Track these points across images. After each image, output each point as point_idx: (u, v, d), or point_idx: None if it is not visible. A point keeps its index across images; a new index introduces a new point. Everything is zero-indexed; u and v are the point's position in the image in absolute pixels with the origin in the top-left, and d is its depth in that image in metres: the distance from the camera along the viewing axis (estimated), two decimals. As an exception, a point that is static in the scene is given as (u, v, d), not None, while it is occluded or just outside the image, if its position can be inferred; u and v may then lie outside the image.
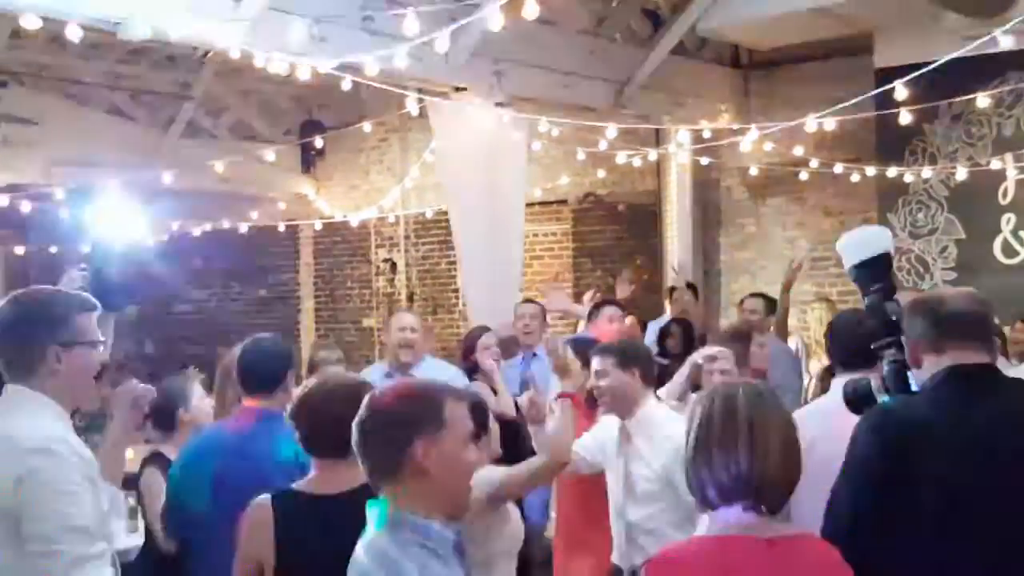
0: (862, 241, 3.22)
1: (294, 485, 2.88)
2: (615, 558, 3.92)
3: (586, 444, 3.98)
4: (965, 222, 8.47)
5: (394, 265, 11.47)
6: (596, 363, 3.89)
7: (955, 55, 6.16)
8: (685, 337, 6.55)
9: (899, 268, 8.66)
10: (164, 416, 4.25)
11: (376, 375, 5.41)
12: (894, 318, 3.00)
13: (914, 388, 2.73)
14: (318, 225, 11.07)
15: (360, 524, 2.58)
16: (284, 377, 3.75)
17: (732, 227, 9.88)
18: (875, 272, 3.10)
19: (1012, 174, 8.13)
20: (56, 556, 2.55)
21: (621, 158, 8.08)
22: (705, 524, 2.27)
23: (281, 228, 11.13)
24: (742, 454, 2.16)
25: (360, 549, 2.16)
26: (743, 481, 2.15)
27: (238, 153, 10.62)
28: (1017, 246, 8.27)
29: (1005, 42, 6.08)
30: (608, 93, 8.66)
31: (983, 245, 8.38)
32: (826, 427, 3.11)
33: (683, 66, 9.21)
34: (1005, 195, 8.28)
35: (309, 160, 11.67)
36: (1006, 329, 7.62)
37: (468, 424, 2.23)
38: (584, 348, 4.21)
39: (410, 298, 11.40)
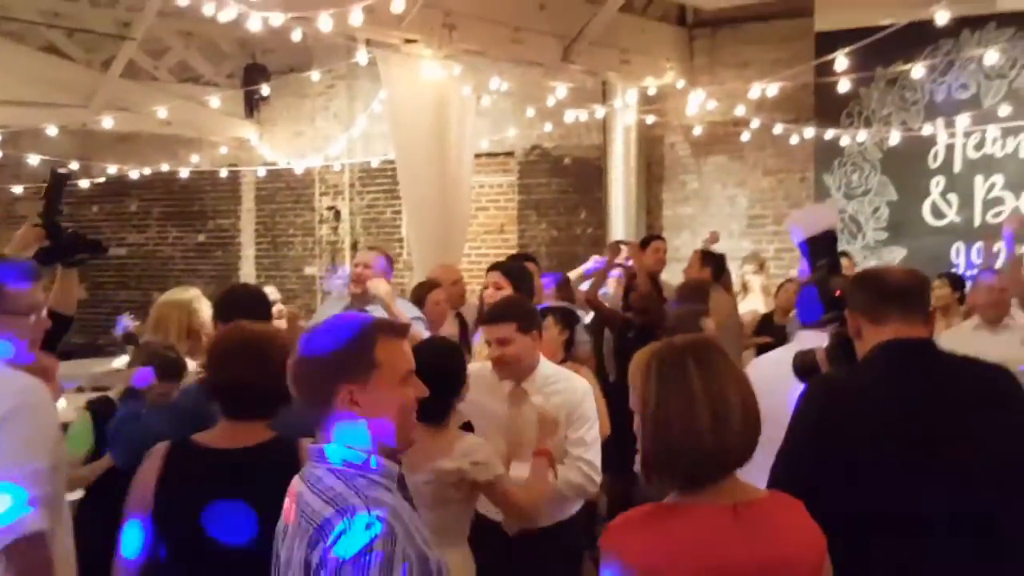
0: (809, 218, 3.39)
1: (195, 436, 2.86)
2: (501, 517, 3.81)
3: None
4: (897, 184, 8.79)
5: (338, 213, 11.46)
6: (497, 331, 3.75)
7: (893, 27, 6.36)
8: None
9: (833, 227, 8.96)
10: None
11: (336, 308, 5.52)
12: (838, 293, 3.16)
13: (856, 360, 2.80)
14: (261, 172, 11.00)
15: (252, 480, 2.66)
16: None
17: (675, 183, 10.08)
18: (821, 248, 3.26)
19: (942, 139, 8.44)
20: None
21: (569, 117, 8.18)
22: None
23: (223, 174, 11.03)
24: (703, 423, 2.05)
25: (303, 486, 2.12)
26: (705, 453, 2.06)
27: (179, 95, 10.49)
28: (945, 208, 8.62)
29: (941, 18, 6.29)
30: (556, 48, 8.72)
31: (913, 206, 8.71)
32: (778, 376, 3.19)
33: (630, 23, 9.31)
34: (935, 159, 8.61)
35: (253, 104, 11.55)
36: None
37: (405, 361, 2.16)
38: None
39: (354, 247, 11.42)
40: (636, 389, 2.14)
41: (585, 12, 8.77)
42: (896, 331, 2.65)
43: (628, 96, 9.39)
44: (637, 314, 6.53)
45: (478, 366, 3.97)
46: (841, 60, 7.46)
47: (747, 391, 2.13)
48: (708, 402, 2.06)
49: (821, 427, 2.59)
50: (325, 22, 5.68)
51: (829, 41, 8.69)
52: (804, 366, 3.18)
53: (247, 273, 12.08)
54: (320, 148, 11.18)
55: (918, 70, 7.29)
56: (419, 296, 6.05)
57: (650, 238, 8.14)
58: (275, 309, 5.14)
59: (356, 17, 5.70)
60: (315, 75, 9.18)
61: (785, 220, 8.22)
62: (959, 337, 5.55)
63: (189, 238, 12.44)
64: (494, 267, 5.45)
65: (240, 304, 3.86)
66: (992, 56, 7.26)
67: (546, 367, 3.90)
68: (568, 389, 3.82)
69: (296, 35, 6.20)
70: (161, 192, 12.28)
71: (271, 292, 5.17)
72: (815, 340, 4.04)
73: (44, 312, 2.91)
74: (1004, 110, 8.09)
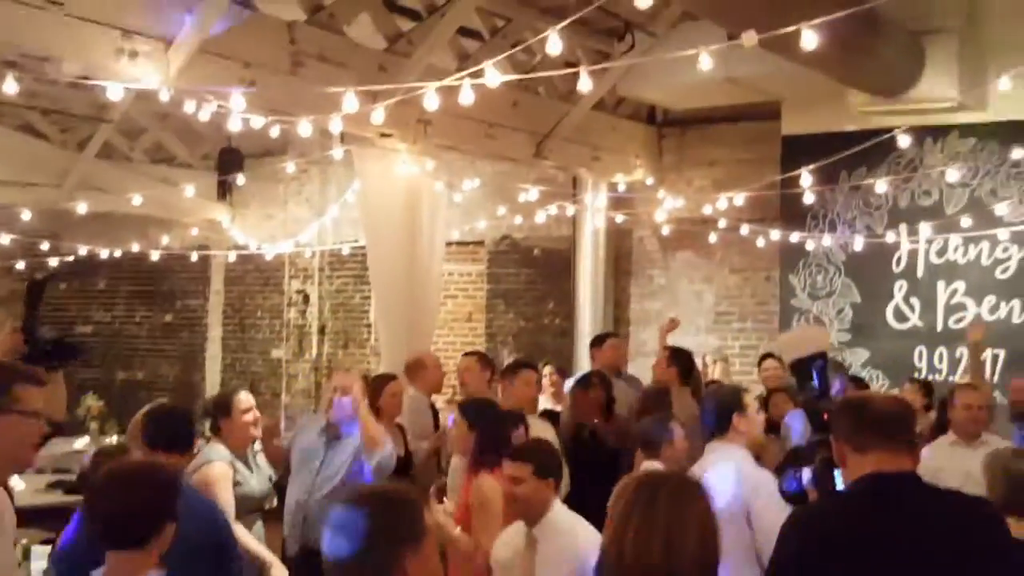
0: (799, 340, 3.47)
1: None
2: None
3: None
4: (860, 287, 8.91)
5: (307, 297, 11.47)
6: (513, 469, 3.87)
7: (855, 149, 6.54)
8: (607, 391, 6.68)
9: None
10: None
11: (312, 432, 5.44)
12: (825, 417, 3.19)
13: (840, 486, 2.87)
14: (232, 257, 11.01)
15: None
16: None
17: (643, 277, 10.20)
18: (810, 371, 3.33)
19: (905, 245, 8.60)
20: None
21: (541, 217, 8.30)
22: None
23: (194, 258, 11.03)
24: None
25: None
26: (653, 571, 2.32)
27: (153, 177, 10.54)
28: (907, 312, 8.74)
29: (903, 141, 6.48)
30: (529, 144, 8.87)
31: (877, 309, 8.82)
32: None
33: (601, 121, 9.50)
34: (898, 263, 8.75)
35: (225, 187, 11.58)
36: (895, 391, 8.10)
37: (433, 528, 2.25)
38: None
39: (321, 331, 11.42)
40: (612, 508, 2.43)
41: (557, 110, 8.94)
42: (879, 461, 2.67)
43: (598, 192, 9.55)
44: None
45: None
46: (805, 160, 7.67)
47: (708, 525, 2.37)
48: (665, 532, 2.31)
49: (801, 563, 2.65)
50: (304, 128, 5.76)
51: (795, 144, 8.92)
52: (791, 490, 3.22)
53: (213, 354, 12.02)
54: (291, 232, 11.23)
55: (880, 185, 7.48)
56: (378, 387, 6.16)
57: (603, 336, 8.18)
58: (250, 416, 5.10)
59: (336, 125, 5.79)
60: (290, 166, 9.25)
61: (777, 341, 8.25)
62: (938, 454, 5.60)
63: (156, 318, 12.38)
64: (459, 404, 5.45)
65: (165, 430, 3.87)
66: (953, 174, 7.47)
67: (561, 515, 3.88)
68: (583, 538, 3.75)
69: (274, 132, 6.27)
70: (130, 271, 12.24)
71: (244, 399, 5.13)
72: (724, 450, 4.19)
73: (43, 420, 2.97)
74: (966, 220, 8.25)
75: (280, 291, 11.69)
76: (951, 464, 5.42)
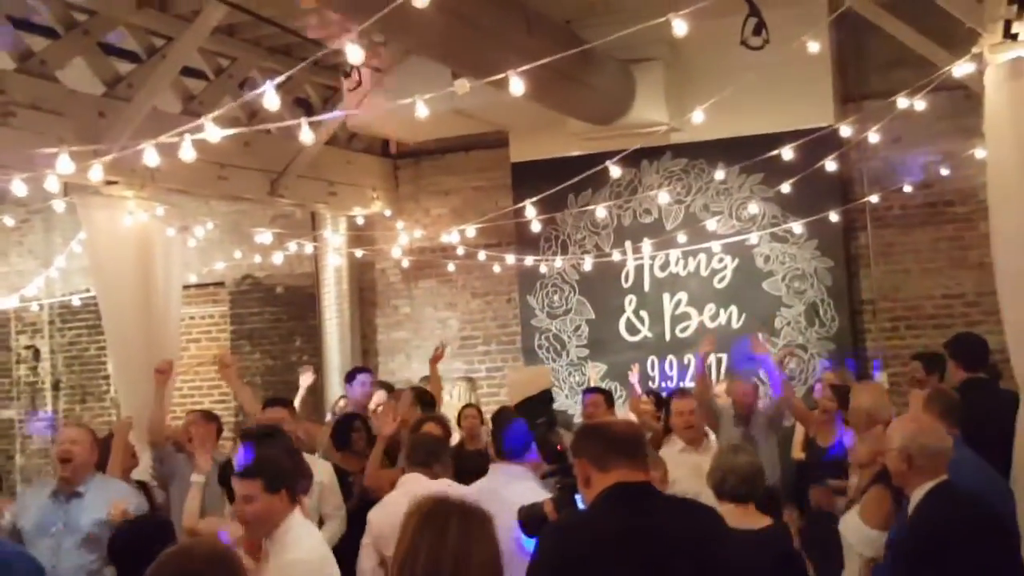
0: (525, 381, 3.71)
1: None
2: None
3: None
4: (594, 303, 9.41)
5: (37, 352, 10.81)
6: (241, 487, 3.81)
7: (580, 176, 6.92)
8: (369, 433, 6.69)
9: (539, 346, 9.46)
10: None
11: (40, 496, 5.12)
12: (559, 447, 3.47)
13: (581, 507, 3.15)
14: (-53, 317, 10.23)
15: None
16: None
17: (388, 308, 10.31)
18: (539, 407, 3.59)
19: (631, 262, 9.16)
20: None
21: (278, 256, 8.23)
22: None
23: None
24: None
25: None
26: None
27: None
28: (638, 324, 9.30)
29: (615, 171, 6.92)
30: (263, 183, 8.78)
31: (610, 324, 9.34)
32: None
33: (335, 156, 9.54)
34: (627, 279, 9.31)
35: (-65, 242, 10.78)
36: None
37: None
38: None
39: (56, 386, 10.79)
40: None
41: (290, 147, 8.87)
42: (621, 476, 3.01)
43: (337, 225, 9.57)
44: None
45: None
46: (536, 191, 8.02)
47: (492, 555, 2.56)
48: (453, 561, 2.47)
49: (561, 568, 2.90)
50: (20, 188, 5.50)
51: (524, 171, 9.35)
52: (533, 519, 3.43)
53: (-68, 423, 11.07)
54: (15, 285, 10.56)
55: (601, 211, 7.93)
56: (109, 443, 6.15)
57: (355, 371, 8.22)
58: None
59: (51, 183, 5.55)
60: (9, 220, 8.71)
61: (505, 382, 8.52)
62: (670, 459, 5.98)
63: None
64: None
65: None
66: (664, 196, 8.03)
67: (293, 529, 3.80)
68: (306, 555, 3.76)
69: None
70: None
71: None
72: (520, 472, 4.34)
73: None
74: (683, 235, 8.86)
75: (6, 347, 10.95)
76: (686, 468, 5.85)
